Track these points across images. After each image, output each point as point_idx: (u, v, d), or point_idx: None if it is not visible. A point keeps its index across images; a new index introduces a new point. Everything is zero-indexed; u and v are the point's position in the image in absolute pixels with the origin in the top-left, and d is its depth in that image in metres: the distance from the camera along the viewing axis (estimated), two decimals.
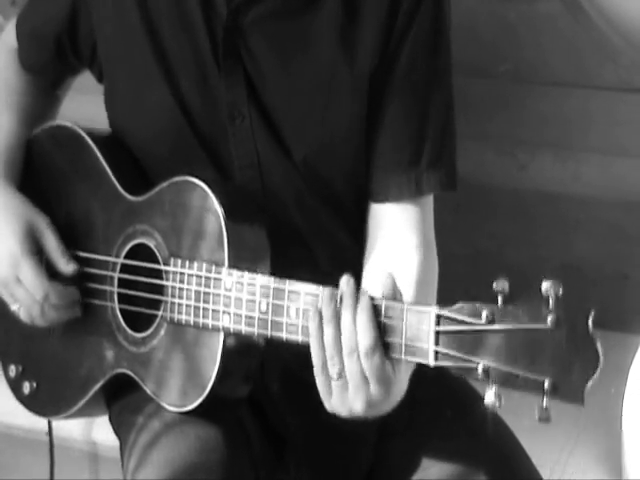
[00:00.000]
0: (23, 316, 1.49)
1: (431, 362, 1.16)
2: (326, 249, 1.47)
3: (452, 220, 1.57)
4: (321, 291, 1.24)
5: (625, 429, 1.70)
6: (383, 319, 1.19)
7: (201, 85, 1.43)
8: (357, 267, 1.45)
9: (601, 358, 1.06)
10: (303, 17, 1.42)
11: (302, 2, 1.42)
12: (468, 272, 1.63)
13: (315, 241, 1.46)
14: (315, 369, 1.24)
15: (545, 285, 1.08)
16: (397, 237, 1.46)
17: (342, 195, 1.49)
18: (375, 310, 1.20)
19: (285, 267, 1.30)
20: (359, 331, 1.20)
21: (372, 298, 1.21)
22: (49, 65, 1.60)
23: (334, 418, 1.43)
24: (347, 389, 1.22)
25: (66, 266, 1.49)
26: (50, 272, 1.49)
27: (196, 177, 1.37)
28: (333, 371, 1.22)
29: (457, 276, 1.51)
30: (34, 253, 1.48)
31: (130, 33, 1.44)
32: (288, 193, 1.44)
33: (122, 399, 1.50)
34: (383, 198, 1.46)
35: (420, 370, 1.50)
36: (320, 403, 1.30)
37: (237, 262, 1.33)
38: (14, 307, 1.50)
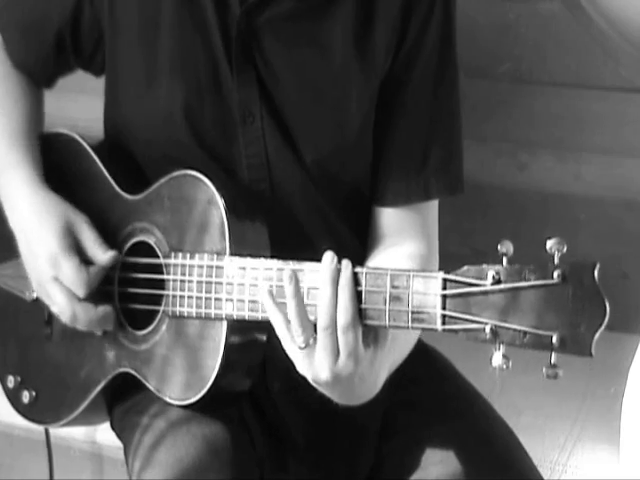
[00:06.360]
0: (63, 317, 1.45)
1: (439, 327, 1.16)
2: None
3: (452, 220, 1.57)
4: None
5: (624, 429, 1.70)
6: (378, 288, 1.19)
7: (212, 84, 1.42)
8: None
9: (608, 309, 1.07)
10: (317, 19, 1.42)
11: (316, 5, 1.42)
12: None
13: (320, 241, 1.46)
14: (279, 337, 1.24)
15: (550, 243, 1.09)
16: (401, 242, 1.46)
17: (349, 197, 1.49)
18: (356, 279, 1.20)
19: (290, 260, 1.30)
20: (339, 307, 1.20)
21: (355, 272, 1.21)
22: (43, 59, 1.55)
23: (334, 419, 1.44)
24: (314, 356, 1.22)
25: (103, 255, 1.44)
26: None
27: (195, 170, 1.38)
28: (299, 341, 1.22)
29: None
30: (73, 250, 1.44)
31: (140, 31, 1.44)
32: (296, 193, 1.45)
33: (124, 402, 1.50)
34: (390, 203, 1.47)
35: (419, 369, 1.51)
36: (321, 404, 1.31)
37: (238, 253, 1.33)
38: (53, 309, 1.46)
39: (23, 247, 1.48)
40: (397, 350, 1.35)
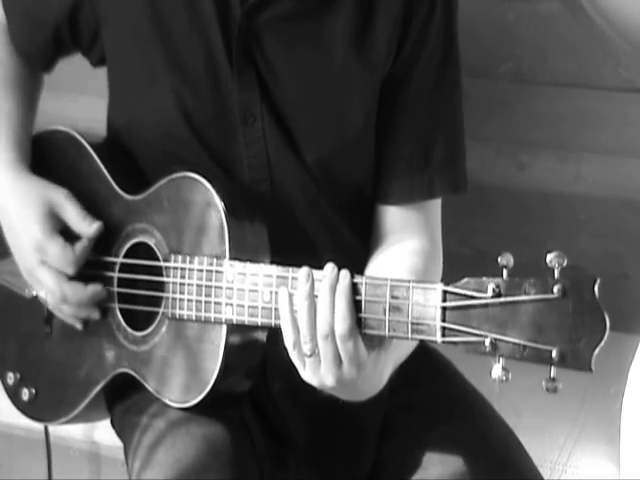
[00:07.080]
0: (50, 302, 1.47)
1: (439, 339, 1.16)
2: (332, 250, 1.47)
3: (452, 220, 1.57)
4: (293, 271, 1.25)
5: (623, 429, 1.70)
6: (374, 297, 1.19)
7: (212, 85, 1.42)
8: (362, 268, 1.45)
9: (608, 324, 1.07)
10: (317, 19, 1.42)
11: (316, 4, 1.41)
12: (468, 272, 1.63)
13: (321, 242, 1.46)
14: (287, 345, 1.24)
15: (550, 256, 1.09)
16: (404, 238, 1.46)
17: (351, 198, 1.49)
18: (355, 289, 1.21)
19: (290, 266, 1.30)
20: (336, 316, 1.20)
21: (354, 283, 1.21)
22: (43, 48, 1.57)
23: (335, 419, 1.44)
24: (319, 365, 1.22)
25: (88, 228, 1.45)
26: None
27: (195, 172, 1.37)
28: (306, 349, 1.22)
29: (457, 276, 1.51)
30: (56, 232, 1.45)
31: (140, 31, 1.44)
32: (297, 194, 1.44)
33: (124, 401, 1.51)
34: (394, 201, 1.47)
35: (420, 370, 1.50)
36: (321, 404, 1.30)
37: (238, 256, 1.33)
38: (42, 293, 1.48)
39: (9, 235, 1.49)
40: (400, 347, 1.35)
